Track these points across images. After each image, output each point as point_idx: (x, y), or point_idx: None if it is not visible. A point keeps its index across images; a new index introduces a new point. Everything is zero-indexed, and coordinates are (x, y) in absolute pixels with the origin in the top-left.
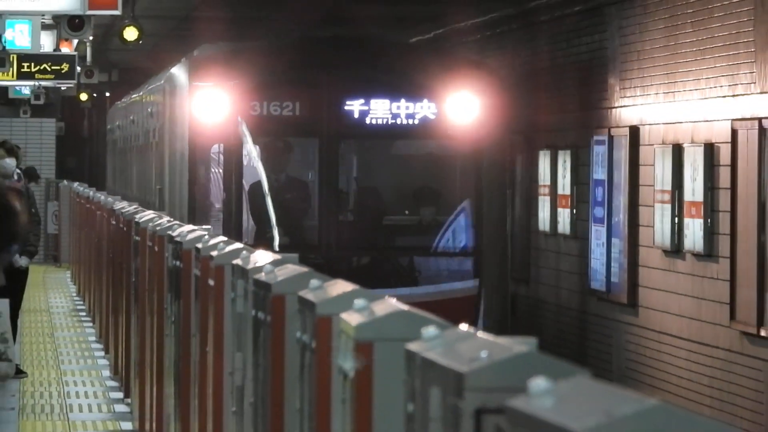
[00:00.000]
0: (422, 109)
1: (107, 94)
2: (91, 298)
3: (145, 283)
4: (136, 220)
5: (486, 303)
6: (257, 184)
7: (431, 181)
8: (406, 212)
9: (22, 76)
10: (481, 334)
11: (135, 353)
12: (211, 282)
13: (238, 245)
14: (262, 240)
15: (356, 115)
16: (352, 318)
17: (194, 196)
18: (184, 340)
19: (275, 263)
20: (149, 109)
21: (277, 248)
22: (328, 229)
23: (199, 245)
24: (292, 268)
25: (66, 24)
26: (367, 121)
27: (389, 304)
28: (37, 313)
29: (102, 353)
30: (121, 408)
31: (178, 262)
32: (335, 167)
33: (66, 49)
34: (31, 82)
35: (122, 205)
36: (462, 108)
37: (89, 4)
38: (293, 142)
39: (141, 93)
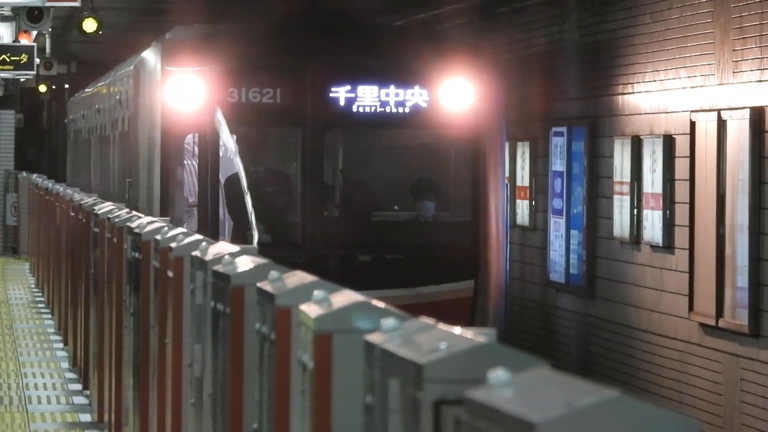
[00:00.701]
0: (413, 96)
1: (66, 86)
2: (50, 289)
3: (104, 274)
4: (95, 211)
5: (482, 305)
6: (234, 177)
7: (424, 173)
8: (396, 207)
9: None
10: (440, 325)
11: (94, 345)
12: (171, 273)
13: (197, 237)
14: (240, 238)
15: (342, 103)
16: (311, 309)
17: (166, 191)
18: (143, 331)
19: (234, 254)
20: (117, 97)
21: (256, 246)
22: (313, 226)
23: (158, 237)
24: (252, 260)
25: (25, 15)
26: (354, 109)
27: (348, 295)
28: None
29: (61, 345)
30: (80, 400)
31: (137, 254)
32: (320, 159)
33: (25, 41)
34: None
35: (81, 197)
36: (456, 95)
37: None
38: (274, 132)
39: (108, 80)
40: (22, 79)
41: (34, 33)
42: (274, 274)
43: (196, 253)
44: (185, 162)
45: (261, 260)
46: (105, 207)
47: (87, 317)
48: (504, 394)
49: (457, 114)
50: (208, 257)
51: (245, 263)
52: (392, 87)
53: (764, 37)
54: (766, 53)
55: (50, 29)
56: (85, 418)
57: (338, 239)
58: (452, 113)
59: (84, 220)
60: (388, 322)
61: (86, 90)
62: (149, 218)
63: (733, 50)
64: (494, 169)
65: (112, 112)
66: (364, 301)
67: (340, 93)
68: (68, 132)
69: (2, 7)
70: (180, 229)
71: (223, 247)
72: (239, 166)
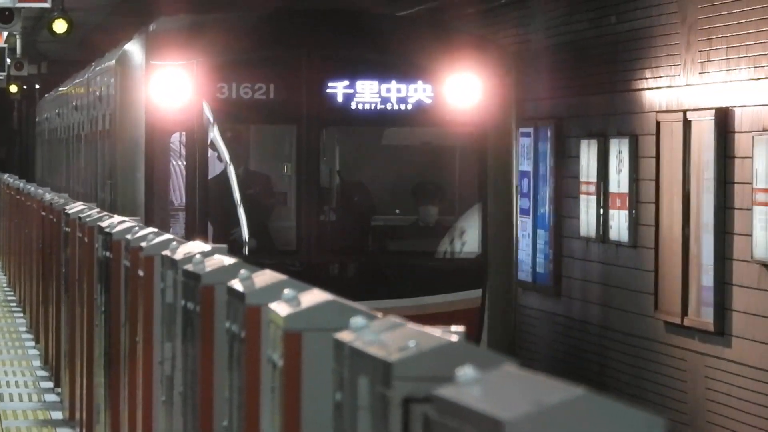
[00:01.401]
0: (416, 92)
1: (37, 86)
2: (21, 288)
3: (75, 273)
4: (66, 211)
5: (491, 315)
6: (224, 179)
7: (427, 175)
8: (397, 211)
9: None
10: (409, 324)
11: (65, 343)
12: (141, 273)
13: (167, 236)
14: (230, 242)
15: (340, 99)
16: (280, 308)
17: (152, 193)
18: (114, 330)
19: (205, 254)
20: (96, 94)
21: (247, 253)
22: (308, 231)
23: (129, 236)
24: (222, 259)
25: None
26: (353, 105)
27: (317, 294)
28: None
29: (33, 343)
30: (51, 397)
31: (107, 253)
32: (316, 159)
33: None
34: None
35: (52, 197)
36: (463, 90)
37: None
38: (267, 130)
39: (86, 76)
40: None
41: (5, 34)
42: (244, 273)
43: (167, 252)
44: (171, 162)
45: (231, 259)
46: (76, 207)
47: (58, 316)
48: (472, 392)
49: (464, 111)
50: (179, 256)
51: (215, 262)
52: (393, 82)
53: (731, 38)
54: (732, 54)
55: (21, 30)
56: (57, 415)
57: (335, 245)
58: (458, 110)
59: (55, 220)
60: (357, 320)
61: (61, 88)
62: (120, 218)
63: (699, 51)
64: (503, 170)
65: (90, 110)
66: (332, 300)
67: (338, 88)
68: (39, 132)
69: None
70: (150, 229)
71: (194, 246)
72: (229, 167)
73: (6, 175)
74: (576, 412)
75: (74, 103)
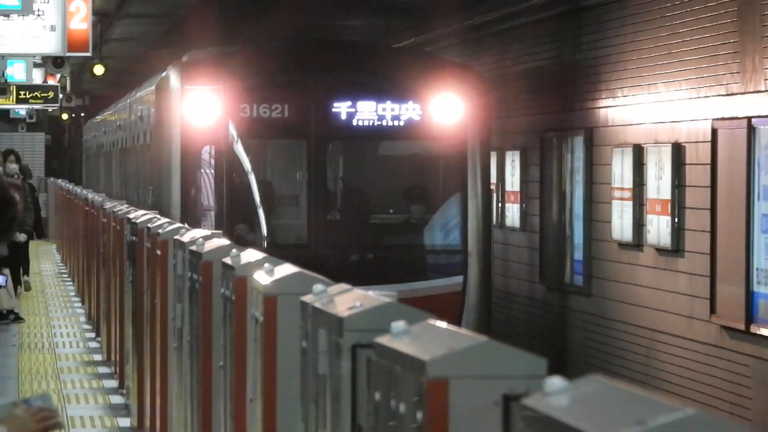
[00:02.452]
0: (407, 111)
1: (82, 114)
2: (71, 264)
3: (110, 252)
4: (104, 207)
5: (470, 298)
6: (247, 184)
7: (417, 180)
8: (391, 211)
9: (19, 101)
10: (355, 290)
11: (103, 304)
12: (158, 252)
13: (178, 225)
14: (252, 238)
15: (343, 117)
16: (261, 278)
17: (186, 197)
18: (139, 294)
19: (205, 238)
20: (138, 114)
21: (265, 246)
22: (317, 228)
23: (150, 225)
24: (218, 242)
25: (51, 63)
26: (354, 122)
27: (288, 267)
28: (32, 275)
29: (79, 304)
30: (93, 344)
31: (134, 238)
32: (323, 168)
33: (51, 81)
34: (26, 106)
35: (93, 196)
36: (446, 109)
37: (68, 47)
38: (282, 144)
39: (127, 101)
40: (49, 110)
41: (58, 76)
42: (234, 252)
43: (177, 237)
44: (202, 171)
45: (224, 241)
46: (111, 204)
47: (98, 284)
48: (402, 340)
49: (447, 126)
50: (186, 240)
51: (213, 244)
52: (389, 102)
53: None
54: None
55: (69, 72)
56: (97, 357)
57: (340, 240)
58: (443, 126)
59: (95, 213)
60: (318, 287)
61: (99, 116)
62: (143, 211)
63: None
64: (481, 176)
65: (131, 128)
66: (299, 271)
67: (342, 108)
68: (84, 148)
69: (35, 56)
70: (165, 219)
71: (197, 232)
72: (250, 176)
73: (59, 180)
74: (479, 354)
75: (117, 124)
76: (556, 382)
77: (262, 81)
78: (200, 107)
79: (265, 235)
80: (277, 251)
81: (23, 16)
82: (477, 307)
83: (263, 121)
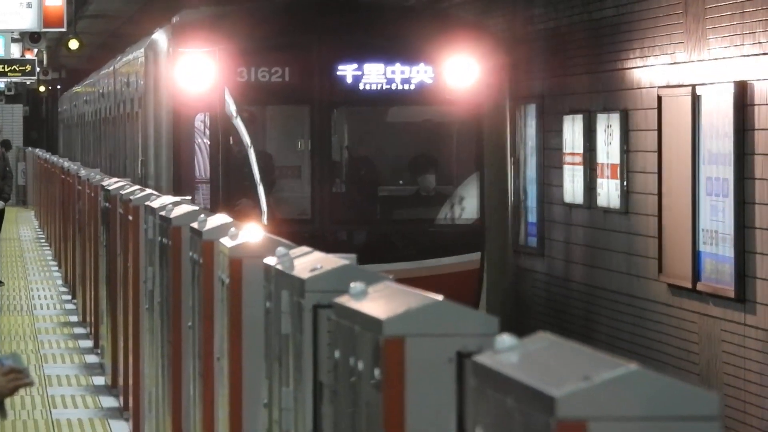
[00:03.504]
0: (418, 74)
1: (59, 87)
2: (48, 229)
3: (85, 219)
4: (79, 174)
5: (489, 276)
6: (244, 155)
7: (429, 149)
8: (400, 182)
9: None
10: (315, 252)
11: (79, 267)
12: (130, 218)
13: (149, 191)
14: (249, 211)
15: (349, 81)
16: (227, 242)
17: (179, 168)
18: (112, 258)
19: (174, 204)
20: (124, 80)
21: (265, 221)
22: (321, 202)
23: (122, 192)
24: (187, 207)
25: (28, 38)
26: (361, 86)
27: (253, 231)
28: (11, 241)
29: (57, 267)
30: (70, 306)
31: (107, 204)
32: (328, 136)
33: (29, 56)
34: (5, 80)
35: (69, 165)
36: (461, 71)
37: (44, 23)
38: (282, 111)
39: (111, 67)
40: (27, 83)
41: (35, 50)
42: (201, 217)
43: (148, 203)
44: (196, 140)
45: (193, 207)
46: (86, 172)
47: (74, 248)
48: (360, 301)
49: (461, 90)
50: (156, 206)
51: (181, 210)
52: (398, 64)
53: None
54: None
55: (45, 47)
56: (74, 318)
57: (346, 214)
58: (456, 89)
59: (71, 181)
60: (280, 250)
61: (84, 81)
62: (116, 178)
63: None
64: (498, 143)
65: (118, 96)
66: (263, 235)
67: (347, 71)
68: (61, 119)
69: (13, 32)
70: (137, 186)
71: (166, 198)
72: (248, 145)
73: (37, 150)
74: (435, 314)
75: (99, 93)
76: (506, 339)
77: (261, 42)
78: (193, 71)
79: (266, 209)
80: (279, 226)
81: None
82: (496, 287)
83: (262, 85)
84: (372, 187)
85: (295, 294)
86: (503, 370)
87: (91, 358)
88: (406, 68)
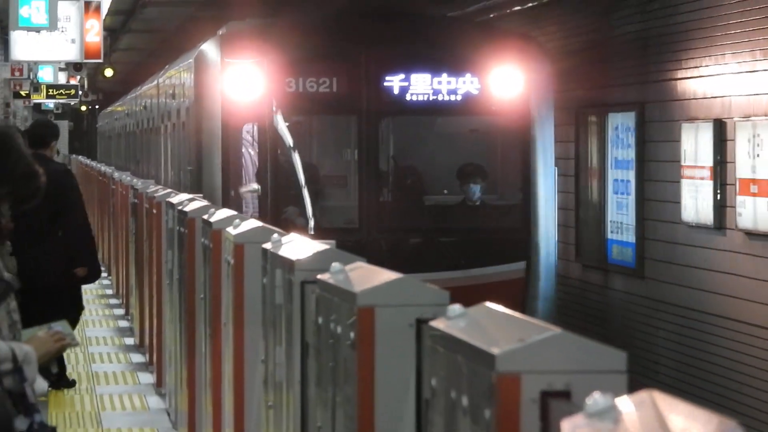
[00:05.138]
0: (465, 84)
1: (97, 106)
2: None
3: (117, 212)
4: (113, 176)
5: (534, 286)
6: (293, 165)
7: (475, 158)
8: (445, 192)
9: (48, 97)
10: (302, 238)
11: (113, 251)
12: (154, 211)
13: (169, 190)
14: (298, 221)
15: (396, 92)
16: (232, 231)
17: (228, 178)
18: (139, 244)
19: (189, 200)
20: (171, 91)
21: (312, 231)
22: (368, 211)
23: (148, 190)
24: (200, 203)
25: (72, 67)
26: (408, 97)
27: (253, 222)
28: None
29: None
30: (106, 281)
31: (136, 200)
32: (375, 146)
33: (73, 81)
34: (54, 101)
35: (105, 169)
36: (507, 82)
37: (85, 55)
38: (331, 121)
39: (154, 82)
40: (71, 103)
41: (78, 77)
42: (212, 210)
43: (169, 199)
44: (244, 150)
45: (205, 202)
46: (119, 174)
47: (109, 235)
48: (338, 278)
49: (508, 101)
50: (175, 201)
51: (196, 204)
52: (444, 75)
53: None
54: None
55: (86, 74)
56: (109, 291)
57: (393, 223)
58: (503, 100)
59: (106, 182)
60: (275, 236)
61: (109, 108)
62: (143, 180)
63: None
64: (543, 153)
65: (161, 107)
66: (261, 225)
67: (394, 82)
68: (98, 132)
69: (60, 62)
70: (159, 186)
71: (183, 196)
72: (296, 155)
73: (80, 157)
74: (399, 288)
75: (140, 105)
76: (456, 308)
77: (309, 53)
78: (242, 81)
79: (313, 218)
80: (326, 235)
81: (50, 32)
82: (542, 296)
83: (310, 96)
84: (418, 197)
85: (287, 272)
86: (454, 333)
87: (123, 323)
88: (453, 79)
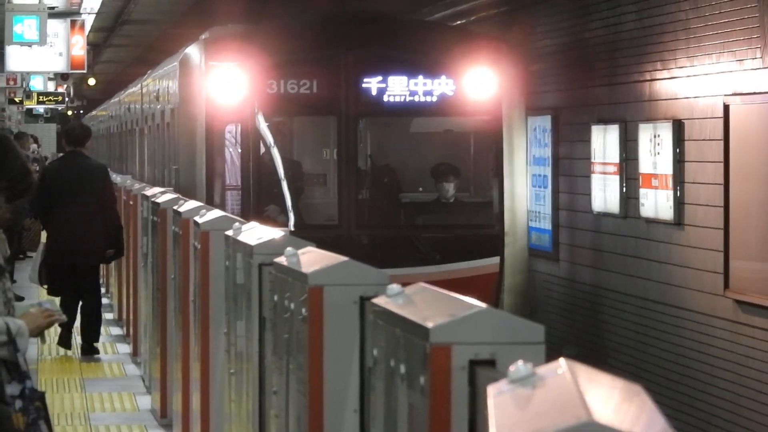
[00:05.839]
0: (440, 86)
1: (81, 111)
2: None
3: None
4: None
5: (506, 280)
6: (273, 164)
7: (450, 157)
8: (420, 189)
9: (39, 103)
10: (259, 226)
11: None
12: (131, 202)
13: (144, 184)
14: (280, 219)
15: (374, 93)
16: (199, 220)
17: (211, 177)
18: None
19: (161, 192)
20: (154, 94)
21: (292, 228)
22: (347, 208)
23: (125, 184)
24: (171, 195)
25: (59, 77)
26: (385, 98)
27: (217, 212)
28: None
29: None
30: None
31: (116, 193)
32: (354, 146)
33: (60, 89)
34: (44, 106)
35: None
36: (480, 84)
37: (71, 67)
38: (311, 121)
39: (138, 86)
40: (59, 108)
41: (65, 85)
42: (181, 201)
43: (143, 192)
44: (227, 150)
45: (175, 195)
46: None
47: None
48: (292, 260)
49: (481, 102)
50: (149, 194)
51: (167, 196)
52: (420, 77)
53: None
54: None
55: (72, 83)
56: None
57: (372, 220)
58: (476, 101)
59: None
60: (236, 224)
61: (92, 112)
62: (121, 175)
63: None
64: (515, 152)
65: (145, 109)
66: (223, 215)
67: (372, 83)
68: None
69: (49, 73)
70: (135, 180)
71: (156, 189)
72: (277, 154)
73: None
74: (344, 269)
75: (124, 108)
76: (395, 287)
77: (290, 56)
78: (225, 83)
79: (294, 215)
80: (307, 232)
81: (41, 46)
82: (514, 290)
83: (291, 97)
84: (395, 194)
85: (247, 255)
86: (393, 309)
87: (104, 300)
88: (428, 81)
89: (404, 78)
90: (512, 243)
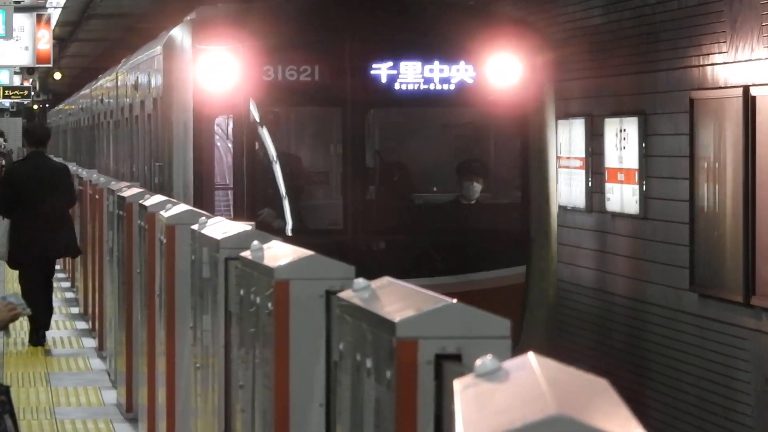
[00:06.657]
0: (458, 72)
1: (47, 105)
2: None
3: None
4: None
5: (533, 291)
6: (269, 160)
7: (470, 153)
8: (435, 189)
9: (4, 97)
10: (224, 220)
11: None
12: (97, 196)
13: (110, 178)
14: (277, 222)
15: (384, 81)
16: (165, 214)
17: (200, 175)
18: (83, 225)
19: (127, 186)
20: (132, 82)
21: (289, 232)
22: (354, 211)
23: (91, 178)
24: (137, 189)
25: (25, 71)
26: (397, 86)
27: (183, 206)
28: None
29: None
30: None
31: (80, 187)
32: (361, 140)
33: (26, 83)
34: (9, 100)
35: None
36: (504, 70)
37: (37, 61)
38: (312, 112)
39: (113, 74)
40: (25, 102)
41: (30, 79)
42: (147, 196)
43: (110, 186)
44: (218, 145)
45: (141, 189)
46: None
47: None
48: (258, 254)
49: (505, 91)
50: (115, 188)
51: (133, 191)
52: (436, 63)
53: None
54: None
55: (37, 77)
56: (58, 266)
57: (381, 223)
58: (499, 90)
59: None
60: (202, 219)
61: (59, 106)
62: (87, 170)
63: None
64: (544, 147)
65: (123, 99)
66: (189, 209)
67: (382, 70)
68: (50, 128)
69: (14, 67)
70: (101, 175)
71: (122, 183)
72: (274, 149)
73: None
74: (311, 264)
75: (99, 100)
76: (360, 282)
77: (289, 39)
78: (215, 70)
79: (293, 218)
80: (307, 237)
81: (6, 40)
82: (541, 302)
83: (290, 85)
84: (407, 195)
85: (213, 250)
86: (359, 303)
87: (69, 294)
88: (445, 67)
89: (418, 64)
90: (540, 249)
